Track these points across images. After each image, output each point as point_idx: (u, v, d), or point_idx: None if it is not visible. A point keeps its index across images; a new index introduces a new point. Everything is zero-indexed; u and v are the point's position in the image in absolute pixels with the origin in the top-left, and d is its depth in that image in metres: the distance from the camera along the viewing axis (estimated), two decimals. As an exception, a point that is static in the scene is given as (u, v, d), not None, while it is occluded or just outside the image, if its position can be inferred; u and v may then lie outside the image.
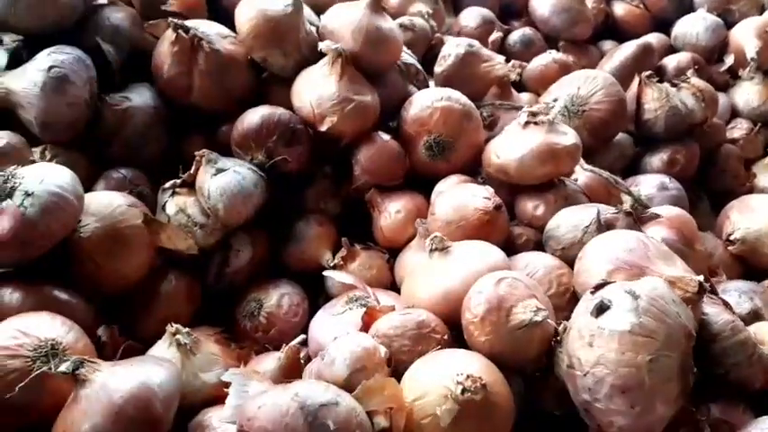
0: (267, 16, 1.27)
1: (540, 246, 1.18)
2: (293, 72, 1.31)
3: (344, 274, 1.13)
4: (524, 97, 1.75)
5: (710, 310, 0.97)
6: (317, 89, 1.24)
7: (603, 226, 1.10)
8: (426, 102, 1.30)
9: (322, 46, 1.23)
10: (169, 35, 1.26)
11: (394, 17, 1.69)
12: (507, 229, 1.18)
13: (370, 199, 1.30)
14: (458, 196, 1.18)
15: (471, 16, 1.87)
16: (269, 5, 1.28)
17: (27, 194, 0.95)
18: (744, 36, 1.82)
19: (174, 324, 0.96)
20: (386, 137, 1.30)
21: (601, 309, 0.78)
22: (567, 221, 1.14)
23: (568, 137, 1.20)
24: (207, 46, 1.25)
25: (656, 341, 0.76)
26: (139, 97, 1.30)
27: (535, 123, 1.22)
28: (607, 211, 1.15)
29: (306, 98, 1.25)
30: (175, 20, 1.24)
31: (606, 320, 0.78)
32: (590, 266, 0.97)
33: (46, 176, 0.99)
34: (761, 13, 1.98)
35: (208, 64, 1.25)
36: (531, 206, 1.22)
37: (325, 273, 1.15)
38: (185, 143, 1.34)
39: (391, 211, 1.27)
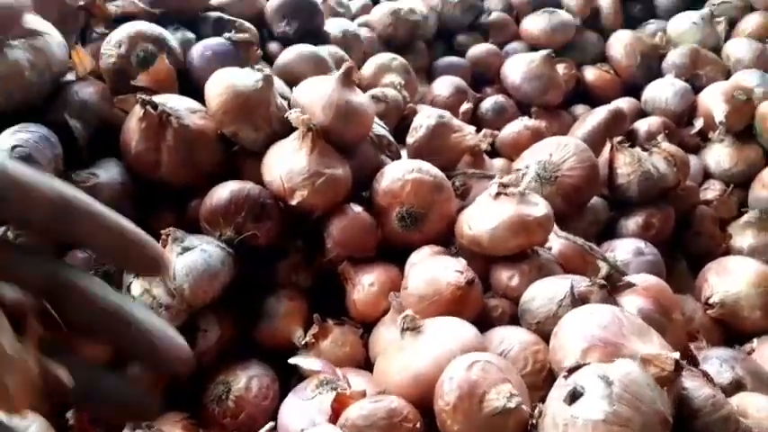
0: (237, 92, 1.26)
1: (516, 317, 1.16)
2: (264, 145, 1.31)
3: (311, 360, 1.09)
4: (497, 163, 1.76)
5: (690, 384, 0.93)
6: (287, 163, 1.23)
7: (578, 299, 1.08)
8: (397, 174, 1.29)
9: (291, 117, 1.23)
10: (137, 111, 1.25)
11: (367, 88, 1.72)
12: (481, 302, 1.16)
13: (342, 272, 1.27)
14: (430, 270, 1.16)
15: (444, 86, 1.89)
16: (239, 81, 1.28)
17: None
18: (711, 100, 1.86)
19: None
20: (357, 209, 1.29)
21: (574, 396, 0.75)
22: (542, 294, 1.12)
23: (539, 208, 1.20)
24: (175, 122, 1.24)
25: (632, 430, 0.73)
26: (106, 173, 1.28)
27: (506, 194, 1.21)
28: (581, 284, 1.12)
29: (276, 172, 1.24)
30: (143, 96, 1.24)
31: (579, 409, 0.75)
32: (564, 344, 0.94)
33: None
34: (727, 78, 2.03)
35: (176, 140, 1.24)
36: (505, 277, 1.20)
37: (291, 360, 1.11)
38: (154, 220, 1.31)
39: (365, 284, 1.24)
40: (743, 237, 1.67)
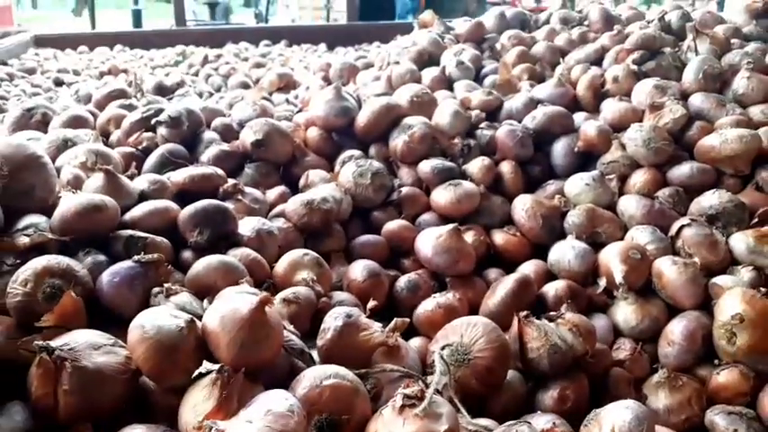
0: (162, 344, 1.27)
1: None
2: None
3: None
4: (415, 343, 1.80)
5: None
6: (197, 413, 1.21)
7: None
8: (315, 381, 1.30)
9: (202, 369, 1.24)
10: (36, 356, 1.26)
11: (280, 286, 1.77)
12: None
13: None
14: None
15: (358, 270, 1.96)
16: (161, 330, 1.29)
17: None
18: (610, 261, 1.95)
19: None
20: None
21: None
22: None
23: (443, 420, 1.21)
24: (70, 365, 1.24)
25: None
26: (7, 420, 1.26)
27: (411, 406, 1.23)
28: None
29: (186, 418, 1.23)
30: (39, 342, 1.25)
31: None
32: None
33: None
34: (625, 232, 2.15)
35: (71, 383, 1.24)
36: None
37: None
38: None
39: None
40: (657, 398, 1.70)
